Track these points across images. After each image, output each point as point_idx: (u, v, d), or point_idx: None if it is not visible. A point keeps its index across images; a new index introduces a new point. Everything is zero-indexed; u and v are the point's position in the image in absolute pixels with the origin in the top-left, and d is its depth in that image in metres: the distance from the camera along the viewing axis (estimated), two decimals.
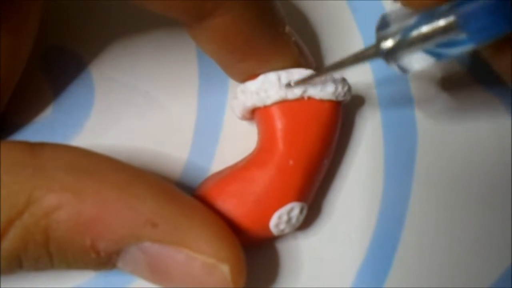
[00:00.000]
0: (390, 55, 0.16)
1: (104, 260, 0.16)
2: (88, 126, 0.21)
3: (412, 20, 0.16)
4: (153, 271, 0.16)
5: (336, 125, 0.20)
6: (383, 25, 0.17)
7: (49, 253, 0.15)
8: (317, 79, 0.19)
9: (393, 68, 0.17)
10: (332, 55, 0.23)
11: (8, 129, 0.21)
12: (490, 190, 0.21)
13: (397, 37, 0.16)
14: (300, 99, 0.19)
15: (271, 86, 0.19)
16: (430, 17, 0.16)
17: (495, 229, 0.21)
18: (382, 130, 0.22)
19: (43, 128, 0.21)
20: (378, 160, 0.22)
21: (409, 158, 0.22)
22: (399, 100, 0.23)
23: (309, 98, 0.19)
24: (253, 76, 0.19)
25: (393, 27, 0.16)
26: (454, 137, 0.22)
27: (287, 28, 0.19)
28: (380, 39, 0.16)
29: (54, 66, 0.22)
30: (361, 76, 0.22)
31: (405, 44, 0.16)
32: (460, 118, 0.22)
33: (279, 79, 0.19)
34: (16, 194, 0.14)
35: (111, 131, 0.21)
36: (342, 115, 0.20)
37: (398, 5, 0.17)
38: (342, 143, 0.22)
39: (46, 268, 0.16)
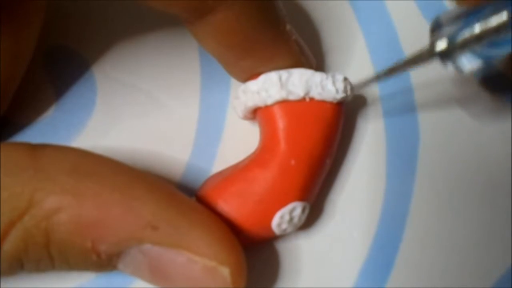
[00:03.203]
0: (445, 56, 0.16)
1: (105, 262, 0.16)
2: (90, 126, 0.21)
3: (465, 20, 0.16)
4: (154, 273, 0.16)
5: (338, 124, 0.20)
6: (437, 26, 0.17)
7: (50, 255, 0.15)
8: (319, 79, 0.19)
9: (449, 69, 0.17)
10: (333, 55, 0.23)
11: (9, 130, 0.21)
12: (492, 190, 0.21)
13: (451, 38, 0.16)
14: (302, 100, 0.19)
15: (272, 86, 0.19)
16: (482, 16, 0.15)
17: (497, 229, 0.21)
18: (384, 129, 0.22)
19: (45, 128, 0.21)
20: (380, 159, 0.22)
21: (411, 158, 0.22)
22: (401, 99, 0.22)
23: (311, 98, 0.19)
24: (254, 75, 0.19)
25: (447, 28, 0.16)
26: (456, 136, 0.22)
27: (288, 27, 0.19)
28: (434, 40, 0.16)
29: (56, 66, 0.22)
30: (363, 76, 0.22)
31: (459, 45, 0.16)
32: (462, 117, 0.22)
33: (280, 78, 0.19)
34: (17, 196, 0.14)
35: (113, 131, 0.21)
36: (344, 115, 0.20)
37: (452, 5, 0.17)
38: (344, 142, 0.22)
39: (47, 269, 0.16)
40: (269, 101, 0.19)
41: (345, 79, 0.20)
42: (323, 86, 0.19)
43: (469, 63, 0.17)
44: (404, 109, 0.22)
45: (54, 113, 0.22)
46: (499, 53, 0.16)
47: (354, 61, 0.23)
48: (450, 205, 0.21)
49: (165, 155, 0.21)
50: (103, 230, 0.15)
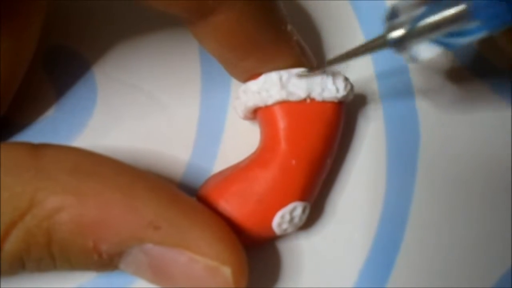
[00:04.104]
0: (399, 45, 0.16)
1: (106, 261, 0.16)
2: (91, 126, 0.21)
3: (421, 10, 0.16)
4: (155, 273, 0.16)
5: (338, 124, 0.20)
6: (393, 15, 0.17)
7: (51, 255, 0.15)
8: (319, 79, 0.19)
9: (401, 57, 0.17)
10: (333, 55, 0.22)
11: (10, 130, 0.21)
12: (492, 191, 0.21)
13: (406, 27, 0.16)
14: (302, 100, 0.19)
15: (273, 86, 0.19)
16: (440, 6, 0.15)
17: (497, 229, 0.21)
18: (385, 129, 0.22)
19: (46, 128, 0.21)
20: (380, 159, 0.22)
21: (412, 158, 0.22)
22: (401, 99, 0.22)
23: (311, 99, 0.19)
24: (254, 76, 0.19)
25: (402, 17, 0.16)
26: (457, 136, 0.22)
27: (289, 27, 0.19)
28: (389, 29, 0.16)
29: (57, 66, 0.22)
30: (363, 75, 0.22)
31: (414, 34, 0.16)
32: (463, 118, 0.22)
33: (280, 79, 0.19)
34: (19, 196, 0.14)
35: (113, 131, 0.21)
36: (345, 114, 0.20)
37: None
38: (344, 142, 0.22)
39: (49, 269, 0.16)
40: (270, 101, 0.19)
41: (346, 78, 0.20)
42: (323, 86, 0.19)
43: (426, 51, 0.16)
44: (404, 109, 0.22)
45: (55, 113, 0.22)
46: (465, 41, 0.16)
47: (354, 61, 0.23)
48: (450, 205, 0.21)
49: (166, 155, 0.21)
50: (105, 229, 0.15)
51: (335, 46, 0.23)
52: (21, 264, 0.15)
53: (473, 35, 0.16)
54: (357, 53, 0.18)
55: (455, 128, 0.22)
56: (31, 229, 0.15)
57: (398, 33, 0.16)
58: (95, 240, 0.15)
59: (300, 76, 0.19)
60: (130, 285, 0.20)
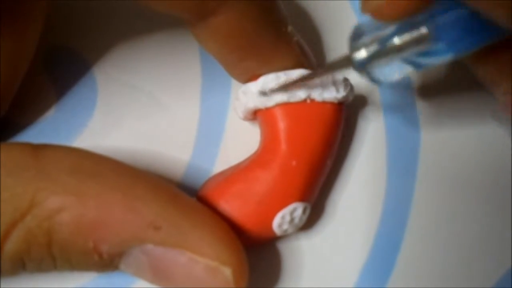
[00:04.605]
0: (362, 66, 0.16)
1: (107, 262, 0.16)
2: (91, 126, 0.21)
3: (386, 31, 0.16)
4: (156, 273, 0.16)
5: (338, 125, 0.20)
6: (357, 35, 0.17)
7: (52, 255, 0.15)
8: (319, 80, 0.19)
9: (365, 79, 0.17)
10: (333, 55, 0.23)
11: (10, 130, 0.21)
12: (492, 191, 0.21)
13: (370, 48, 0.16)
14: (302, 101, 0.19)
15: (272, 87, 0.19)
16: (403, 28, 0.15)
17: (497, 230, 0.21)
18: (385, 130, 0.22)
19: (46, 128, 0.21)
20: (380, 160, 0.22)
21: (412, 159, 0.22)
22: (402, 100, 0.22)
23: (312, 100, 0.19)
24: (254, 77, 0.19)
25: (366, 38, 0.16)
26: (456, 137, 0.22)
27: (290, 28, 0.19)
28: (353, 49, 0.16)
29: (57, 66, 0.22)
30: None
31: (378, 55, 0.16)
32: (463, 118, 0.22)
33: (279, 80, 0.19)
34: (19, 196, 0.14)
35: (114, 131, 0.21)
36: (345, 115, 0.20)
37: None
38: (344, 143, 0.22)
39: (49, 269, 0.16)
40: (270, 103, 0.19)
41: (346, 79, 0.20)
42: (323, 87, 0.19)
43: (392, 72, 0.16)
44: (404, 109, 0.22)
45: (55, 113, 0.22)
46: (434, 61, 0.16)
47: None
48: (451, 206, 0.21)
49: (166, 156, 0.21)
50: (105, 230, 0.15)
51: (335, 46, 0.23)
52: (21, 264, 0.15)
53: (440, 56, 0.16)
54: (321, 72, 0.18)
55: (455, 128, 0.22)
56: (32, 229, 0.15)
57: (362, 54, 0.16)
58: (95, 241, 0.15)
59: (271, 91, 0.19)
60: (131, 285, 0.20)
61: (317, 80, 0.19)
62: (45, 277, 0.19)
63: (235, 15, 0.17)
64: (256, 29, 0.18)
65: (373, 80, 0.17)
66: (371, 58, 0.16)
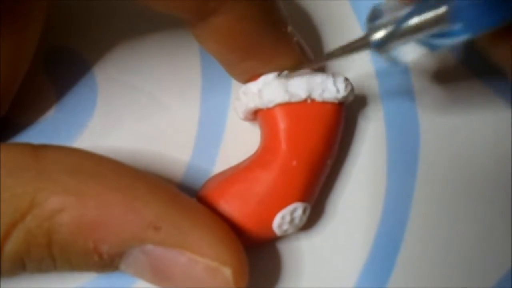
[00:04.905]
0: (380, 46, 0.16)
1: (107, 262, 0.16)
2: (91, 126, 0.21)
3: (403, 11, 0.16)
4: (156, 274, 0.16)
5: (339, 125, 0.20)
6: (375, 16, 0.17)
7: (52, 256, 0.15)
8: (320, 80, 0.19)
9: (384, 60, 0.17)
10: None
11: (10, 130, 0.21)
12: (492, 190, 0.21)
13: (388, 29, 0.16)
14: (302, 101, 0.19)
15: (273, 88, 0.19)
16: (422, 8, 0.15)
17: (497, 230, 0.21)
18: (385, 130, 0.22)
19: (46, 128, 0.21)
20: (381, 160, 0.22)
21: (412, 158, 0.22)
22: (402, 100, 0.22)
23: (312, 100, 0.19)
24: (255, 77, 0.19)
25: (384, 19, 0.16)
26: (457, 137, 0.22)
27: (290, 28, 0.19)
28: (371, 30, 0.16)
29: (57, 67, 0.22)
30: (363, 76, 0.22)
31: (395, 36, 0.16)
32: (463, 118, 0.22)
33: (280, 80, 0.19)
34: (19, 196, 0.14)
35: (114, 132, 0.21)
36: (345, 115, 0.20)
37: None
38: (345, 143, 0.22)
39: (49, 270, 0.16)
40: (270, 103, 0.19)
41: (346, 79, 0.20)
42: (324, 87, 0.19)
43: (409, 53, 0.16)
44: (404, 109, 0.22)
45: (55, 113, 0.22)
46: (449, 42, 0.16)
47: (354, 61, 0.23)
48: (451, 205, 0.21)
49: (166, 156, 0.21)
50: (105, 230, 0.15)
51: (334, 46, 0.23)
52: (21, 264, 0.15)
53: (456, 37, 0.16)
54: (339, 53, 0.18)
55: (455, 128, 0.22)
56: (32, 229, 0.15)
57: (380, 34, 0.16)
58: (95, 241, 0.15)
59: (281, 76, 0.19)
60: (131, 285, 0.20)
61: (318, 79, 0.19)
62: (45, 277, 0.19)
63: (235, 15, 0.17)
64: (256, 29, 0.18)
65: (391, 60, 0.17)
66: (389, 39, 0.16)
